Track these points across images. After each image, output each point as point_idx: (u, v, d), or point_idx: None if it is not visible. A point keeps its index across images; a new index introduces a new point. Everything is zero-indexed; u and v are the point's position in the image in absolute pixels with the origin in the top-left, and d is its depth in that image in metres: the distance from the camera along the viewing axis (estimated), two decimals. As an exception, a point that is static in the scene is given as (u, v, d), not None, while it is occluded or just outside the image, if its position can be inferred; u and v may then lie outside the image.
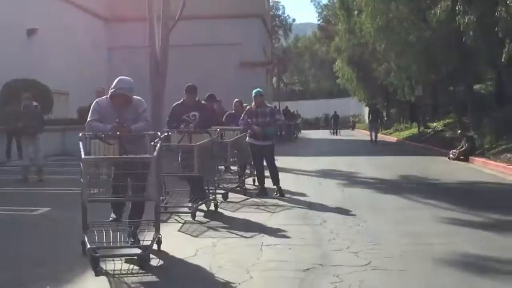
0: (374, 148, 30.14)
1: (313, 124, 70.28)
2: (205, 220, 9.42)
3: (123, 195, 7.10)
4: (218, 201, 10.75)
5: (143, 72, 27.13)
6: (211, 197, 10.37)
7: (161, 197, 9.66)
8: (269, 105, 12.63)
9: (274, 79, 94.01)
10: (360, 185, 14.06)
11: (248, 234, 8.20)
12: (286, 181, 14.22)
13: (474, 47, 21.54)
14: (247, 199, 11.80)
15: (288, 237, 8.03)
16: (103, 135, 7.05)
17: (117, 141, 7.10)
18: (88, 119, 7.25)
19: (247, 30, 38.09)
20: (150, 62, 25.55)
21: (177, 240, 7.96)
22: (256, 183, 12.94)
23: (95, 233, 6.68)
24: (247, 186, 13.07)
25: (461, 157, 20.59)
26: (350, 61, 44.45)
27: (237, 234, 8.24)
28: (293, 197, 12.01)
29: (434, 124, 35.06)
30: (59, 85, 28.62)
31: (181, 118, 10.38)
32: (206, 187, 10.48)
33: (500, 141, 21.00)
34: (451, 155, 21.12)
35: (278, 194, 12.06)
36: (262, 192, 12.23)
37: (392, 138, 37.83)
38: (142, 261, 6.45)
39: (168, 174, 9.79)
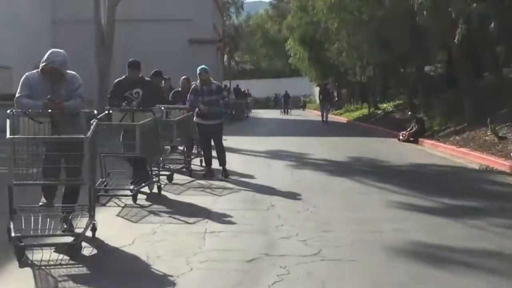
0: (325, 128, 29.96)
1: (264, 104, 70.02)
2: (147, 203, 8.92)
3: (55, 178, 6.56)
4: (162, 183, 10.27)
5: (89, 47, 26.38)
6: (154, 179, 9.87)
7: (101, 179, 9.16)
8: (215, 82, 12.13)
9: (226, 57, 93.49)
10: (310, 167, 13.71)
11: (192, 220, 7.75)
12: (234, 162, 13.82)
13: (427, 28, 21.37)
14: (193, 181, 11.33)
15: (234, 223, 7.62)
16: (32, 112, 6.46)
17: (49, 119, 6.52)
18: (17, 95, 6.65)
19: (198, 6, 37.33)
20: (96, 35, 24.68)
21: (114, 226, 7.45)
22: (203, 164, 12.46)
23: (22, 219, 6.12)
24: (194, 167, 12.61)
25: (411, 139, 20.49)
26: (302, 40, 44.00)
27: (180, 220, 7.78)
28: (241, 179, 11.59)
29: (385, 105, 35.07)
30: (1, 59, 27.51)
31: (123, 95, 9.80)
32: (150, 169, 9.99)
33: (449, 123, 20.95)
34: (401, 137, 21.00)
35: (223, 176, 11.62)
36: (209, 173, 11.78)
37: (343, 119, 37.74)
38: (73, 251, 5.94)
39: (109, 155, 9.26)
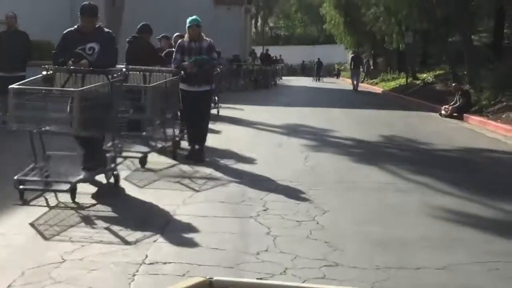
0: (355, 98, 27.15)
1: (298, 71, 67.50)
2: (88, 202, 6.35)
3: None
4: (131, 168, 7.77)
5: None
6: (111, 166, 7.30)
7: (32, 165, 6.67)
8: (207, 38, 9.46)
9: (259, 22, 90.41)
10: (331, 148, 11.02)
11: (135, 236, 5.18)
12: (240, 139, 11.36)
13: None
14: (174, 165, 8.76)
15: (193, 246, 5.01)
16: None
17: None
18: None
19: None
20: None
21: (13, 244, 4.94)
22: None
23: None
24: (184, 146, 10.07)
25: (454, 114, 17.65)
26: (338, 4, 41.36)
27: (118, 236, 5.21)
28: (236, 164, 8.99)
29: (424, 75, 31.95)
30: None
31: (73, 52, 7.23)
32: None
33: (500, 98, 18.00)
34: (443, 112, 18.15)
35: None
36: (195, 155, 9.18)
37: (378, 89, 34.78)
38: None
39: (43, 132, 6.71)
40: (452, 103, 18.30)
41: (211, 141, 10.83)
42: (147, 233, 5.23)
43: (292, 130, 13.73)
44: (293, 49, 75.93)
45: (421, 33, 30.59)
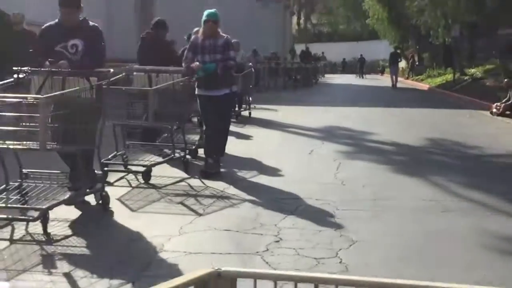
0: (398, 95, 25.69)
1: (340, 68, 65.95)
2: (61, 234, 5.20)
3: None
4: (128, 186, 6.64)
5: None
6: (99, 186, 6.14)
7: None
8: (223, 34, 8.22)
9: (302, 19, 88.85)
10: (367, 155, 9.71)
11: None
12: (267, 144, 10.19)
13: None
14: (182, 180, 7.57)
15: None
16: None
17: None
18: None
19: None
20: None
21: None
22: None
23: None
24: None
25: (507, 112, 16.08)
26: (382, -3, 39.99)
27: None
28: (256, 177, 7.78)
29: (472, 70, 30.20)
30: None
31: (53, 50, 6.11)
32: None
33: (559, 94, 16.39)
34: (494, 110, 16.59)
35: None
36: (210, 168, 7.98)
37: (423, 85, 33.10)
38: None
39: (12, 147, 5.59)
40: (504, 100, 16.73)
41: (235, 147, 9.73)
42: (115, 282, 4.04)
43: (327, 133, 12.45)
44: (336, 46, 74.28)
45: (468, 26, 29.02)
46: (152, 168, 7.48)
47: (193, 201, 6.46)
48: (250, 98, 18.38)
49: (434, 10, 27.94)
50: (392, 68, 33.03)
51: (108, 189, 6.21)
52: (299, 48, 45.34)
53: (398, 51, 38.57)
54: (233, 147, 10.11)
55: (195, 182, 7.47)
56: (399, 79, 34.17)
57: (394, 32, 43.26)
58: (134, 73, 8.17)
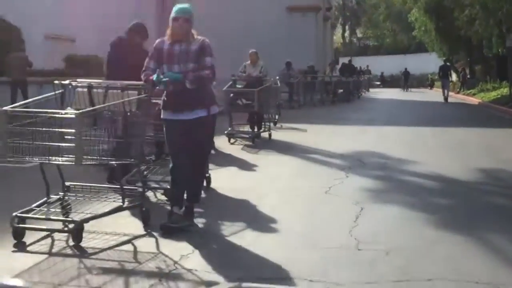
0: (447, 112, 23.11)
1: (387, 82, 63.30)
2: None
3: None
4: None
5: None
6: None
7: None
8: (199, 37, 5.96)
9: (347, 33, 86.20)
10: (400, 197, 7.30)
11: None
12: (275, 179, 8.17)
13: None
14: (129, 241, 5.31)
15: None
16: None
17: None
18: None
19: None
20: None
21: None
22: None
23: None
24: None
25: None
26: (428, 8, 37.51)
27: None
28: (239, 235, 5.51)
29: (531, 84, 27.38)
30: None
31: None
32: None
33: None
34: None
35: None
36: (176, 221, 5.69)
37: (475, 100, 30.36)
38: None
39: None
40: None
41: (230, 182, 7.76)
42: None
43: (355, 162, 10.11)
44: (383, 59, 71.83)
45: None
46: (90, 221, 5.29)
47: (122, 283, 4.21)
48: (276, 116, 16.21)
49: (486, 18, 25.47)
50: (443, 81, 31.56)
51: (12, 258, 4.43)
52: (344, 62, 43.14)
53: (448, 63, 36.07)
54: (228, 181, 7.99)
55: (147, 243, 5.26)
56: (449, 93, 31.71)
57: (442, 44, 40.69)
58: (78, 89, 5.96)
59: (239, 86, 13.07)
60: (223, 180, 8.07)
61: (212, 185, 7.68)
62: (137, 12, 22.45)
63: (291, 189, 7.82)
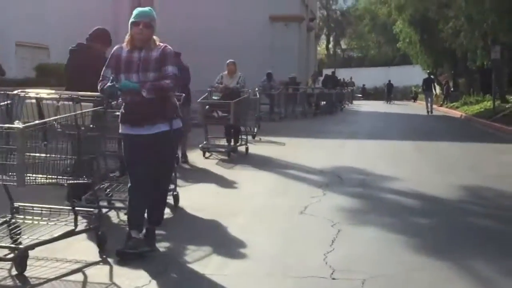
0: (431, 125, 22.81)
1: (371, 94, 63.11)
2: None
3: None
4: None
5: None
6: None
7: None
8: (160, 44, 5.52)
9: (331, 44, 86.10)
10: (379, 218, 6.84)
11: None
12: (249, 198, 7.72)
13: None
14: (79, 269, 4.84)
15: None
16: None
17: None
18: None
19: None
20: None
21: None
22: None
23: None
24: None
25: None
26: (413, 20, 37.30)
27: None
28: (202, 263, 5.04)
29: (515, 97, 27.19)
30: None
31: None
32: None
33: None
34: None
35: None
36: (133, 246, 5.22)
37: (457, 113, 30.11)
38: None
39: None
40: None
41: (200, 201, 7.24)
42: None
43: (334, 178, 9.70)
44: (366, 71, 71.73)
45: (510, 48, 26.15)
46: (36, 247, 4.81)
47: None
48: (255, 129, 15.79)
49: (471, 30, 25.19)
50: (426, 94, 31.79)
51: None
52: (327, 73, 42.82)
53: (432, 76, 36.07)
54: (198, 200, 7.55)
55: (100, 271, 4.78)
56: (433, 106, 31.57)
57: (426, 56, 40.58)
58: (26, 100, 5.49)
59: (215, 98, 12.59)
60: (192, 198, 7.62)
61: (181, 203, 7.22)
62: (114, 20, 22.10)
63: (265, 208, 7.37)
